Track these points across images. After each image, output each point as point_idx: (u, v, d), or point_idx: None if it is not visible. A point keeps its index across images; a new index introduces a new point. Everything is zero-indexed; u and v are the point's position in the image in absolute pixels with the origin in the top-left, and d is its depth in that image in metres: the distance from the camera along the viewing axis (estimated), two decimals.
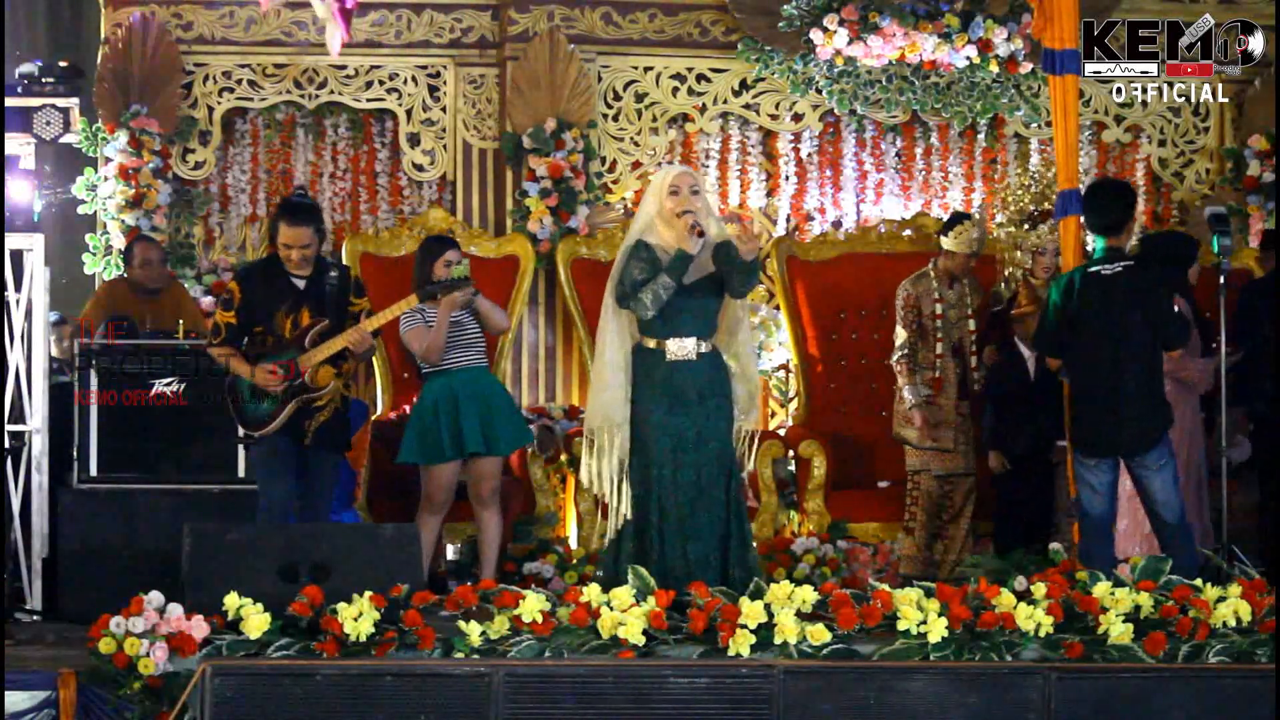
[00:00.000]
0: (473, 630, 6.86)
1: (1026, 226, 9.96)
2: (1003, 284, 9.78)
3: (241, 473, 8.41)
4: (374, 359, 9.52)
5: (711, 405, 7.41)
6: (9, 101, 8.61)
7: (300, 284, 7.91)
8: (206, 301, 9.94)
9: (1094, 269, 8.04)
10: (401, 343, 8.60)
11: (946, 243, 9.25)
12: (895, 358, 9.24)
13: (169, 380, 8.38)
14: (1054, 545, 8.21)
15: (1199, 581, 7.31)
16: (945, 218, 9.65)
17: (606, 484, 7.40)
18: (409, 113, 10.37)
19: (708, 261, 7.38)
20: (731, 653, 6.88)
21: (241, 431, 8.00)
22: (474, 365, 8.51)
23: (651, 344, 7.40)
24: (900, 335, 9.24)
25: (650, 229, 7.40)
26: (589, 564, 9.06)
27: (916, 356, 9.22)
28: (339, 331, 7.88)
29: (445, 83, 10.41)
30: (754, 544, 7.64)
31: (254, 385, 7.85)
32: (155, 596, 6.80)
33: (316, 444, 7.92)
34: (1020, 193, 10.33)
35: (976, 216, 9.64)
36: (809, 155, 10.69)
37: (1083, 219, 8.28)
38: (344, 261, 9.83)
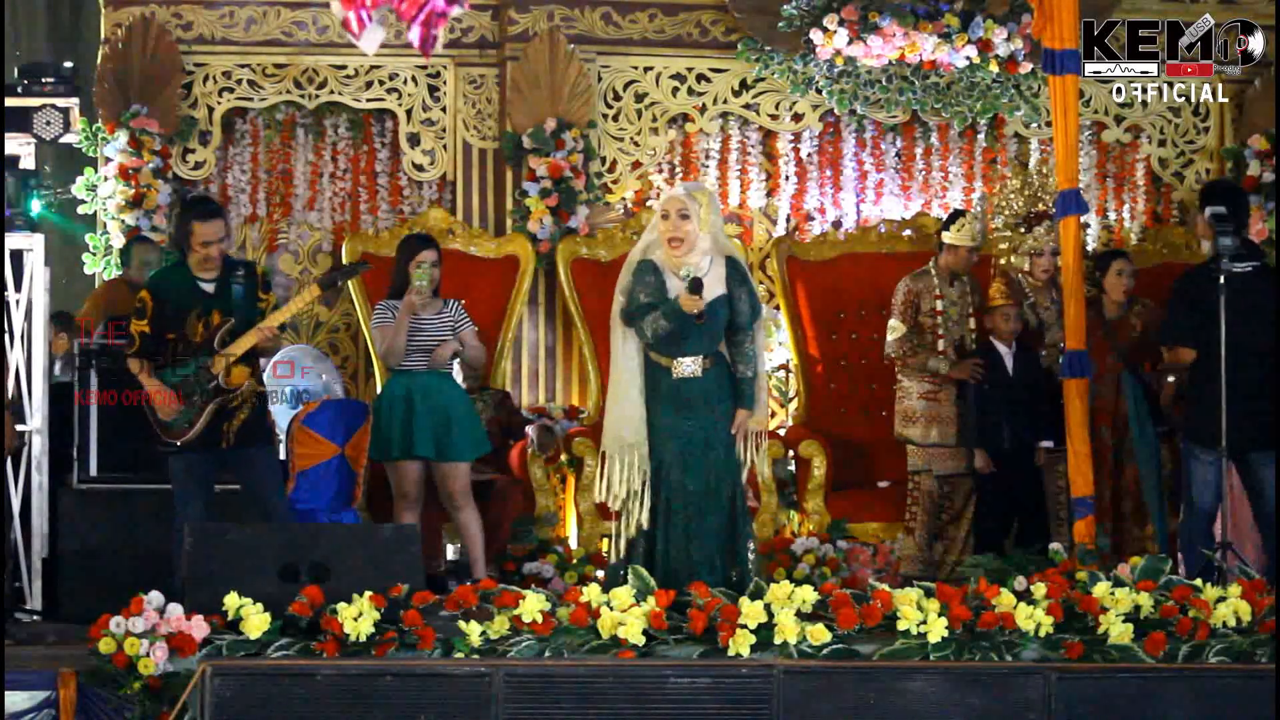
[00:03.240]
0: (473, 630, 6.86)
1: (1023, 229, 9.93)
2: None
3: None
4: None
5: (720, 411, 7.52)
6: (9, 101, 8.60)
7: (210, 287, 7.85)
8: None
9: (1223, 264, 8.12)
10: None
11: (949, 237, 9.22)
12: (895, 351, 9.18)
13: None
14: (1054, 545, 8.21)
15: (1199, 581, 7.33)
16: (944, 217, 9.63)
17: (626, 500, 7.47)
18: (409, 113, 10.36)
19: (718, 281, 7.49)
20: (731, 653, 6.88)
21: (162, 440, 7.88)
22: (435, 370, 8.51)
23: (659, 359, 7.51)
24: (898, 328, 9.15)
25: (653, 248, 7.57)
26: (589, 564, 9.06)
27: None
28: (248, 329, 7.83)
29: (445, 83, 10.40)
30: (755, 545, 7.66)
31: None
32: (155, 596, 6.80)
33: (238, 444, 7.87)
34: (1013, 195, 10.31)
35: (975, 210, 9.64)
36: (809, 155, 10.68)
37: (1209, 215, 8.28)
38: (344, 258, 9.85)
